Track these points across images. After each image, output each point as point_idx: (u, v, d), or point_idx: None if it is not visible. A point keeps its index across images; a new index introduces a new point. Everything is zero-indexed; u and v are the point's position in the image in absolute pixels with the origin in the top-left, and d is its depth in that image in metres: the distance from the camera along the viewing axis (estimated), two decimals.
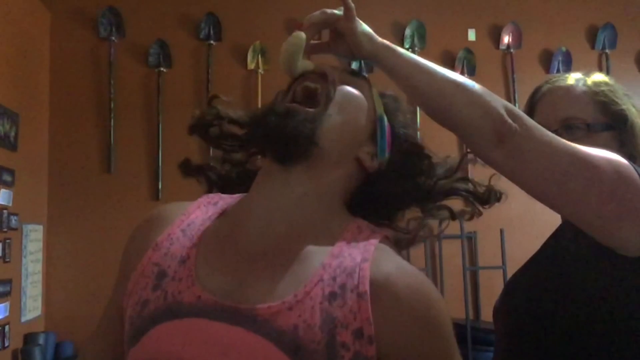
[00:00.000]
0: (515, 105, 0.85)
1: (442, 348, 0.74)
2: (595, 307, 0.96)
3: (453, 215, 0.86)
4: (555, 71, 3.56)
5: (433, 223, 0.86)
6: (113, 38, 3.33)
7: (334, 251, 0.74)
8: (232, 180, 0.93)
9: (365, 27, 0.88)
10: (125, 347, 0.76)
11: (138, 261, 0.79)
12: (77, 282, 3.21)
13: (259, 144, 0.85)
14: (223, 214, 0.83)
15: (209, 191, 0.92)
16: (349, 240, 0.76)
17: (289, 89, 0.84)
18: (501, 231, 3.37)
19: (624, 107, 1.11)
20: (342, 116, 0.80)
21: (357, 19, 0.87)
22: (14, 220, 2.79)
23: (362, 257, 0.73)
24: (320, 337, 0.67)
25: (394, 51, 0.88)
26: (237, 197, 0.86)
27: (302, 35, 0.84)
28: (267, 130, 0.78)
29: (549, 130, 0.92)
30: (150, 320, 0.73)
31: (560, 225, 1.12)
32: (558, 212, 0.98)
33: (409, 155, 0.87)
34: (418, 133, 0.92)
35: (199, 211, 0.84)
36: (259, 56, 3.39)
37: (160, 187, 3.26)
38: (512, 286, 1.14)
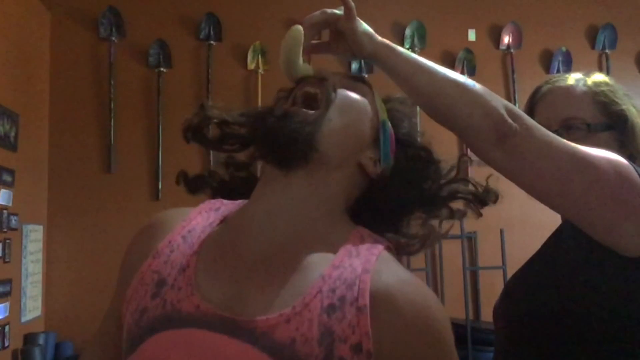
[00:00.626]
0: (515, 105, 0.85)
1: None
2: (595, 307, 0.96)
3: (455, 215, 0.85)
4: (555, 71, 3.56)
5: (436, 225, 0.85)
6: (113, 38, 3.33)
7: (334, 261, 0.72)
8: (235, 186, 0.91)
9: (366, 27, 0.88)
10: (122, 355, 0.75)
11: (138, 268, 0.78)
12: (77, 282, 3.21)
13: (258, 145, 0.84)
14: (224, 220, 0.82)
15: (212, 197, 0.90)
16: (351, 250, 0.74)
17: (290, 94, 0.83)
18: (501, 231, 3.37)
19: (624, 107, 1.11)
20: (342, 120, 0.79)
21: (358, 18, 0.87)
22: (14, 221, 2.79)
23: (362, 268, 0.71)
24: (317, 351, 0.65)
25: (394, 50, 0.88)
26: (239, 203, 0.84)
27: (300, 28, 0.83)
28: (265, 132, 0.77)
29: (549, 130, 0.92)
30: (148, 328, 0.72)
31: (560, 225, 1.12)
32: (558, 212, 0.98)
33: (415, 161, 0.85)
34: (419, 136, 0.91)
35: (200, 217, 0.82)
36: (259, 56, 3.39)
37: (160, 187, 3.26)
38: (512, 286, 1.14)
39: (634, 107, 1.13)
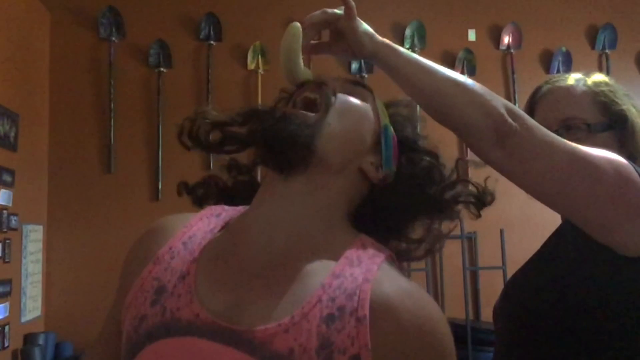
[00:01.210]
0: (515, 105, 0.85)
1: None
2: (595, 307, 0.96)
3: (456, 217, 0.84)
4: (555, 71, 3.56)
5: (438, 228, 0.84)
6: (113, 38, 3.33)
7: (335, 270, 0.71)
8: (237, 191, 0.90)
9: (366, 26, 0.88)
10: None
11: (138, 274, 0.77)
12: (77, 282, 3.21)
13: (256, 147, 0.82)
14: (226, 226, 0.81)
15: (214, 203, 0.90)
16: (352, 259, 0.73)
17: (290, 98, 0.83)
18: (501, 231, 3.37)
19: (624, 107, 1.11)
20: (342, 125, 0.78)
21: (358, 18, 0.87)
22: (14, 221, 2.79)
23: (363, 277, 0.70)
24: None
25: (394, 50, 0.88)
26: (240, 209, 0.83)
27: (298, 25, 0.83)
28: (263, 134, 0.76)
29: (549, 130, 0.92)
30: (147, 336, 0.71)
31: (560, 225, 1.12)
32: (558, 211, 0.98)
33: (418, 166, 0.83)
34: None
35: (201, 223, 0.81)
36: (259, 56, 3.39)
37: (160, 187, 3.26)
38: (512, 286, 1.14)
39: (634, 107, 1.13)
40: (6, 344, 2.70)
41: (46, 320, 3.16)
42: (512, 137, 0.86)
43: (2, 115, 2.71)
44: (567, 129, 1.10)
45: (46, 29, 3.32)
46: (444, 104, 0.88)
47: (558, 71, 3.54)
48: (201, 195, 0.90)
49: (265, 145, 0.77)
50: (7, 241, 2.73)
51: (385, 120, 0.83)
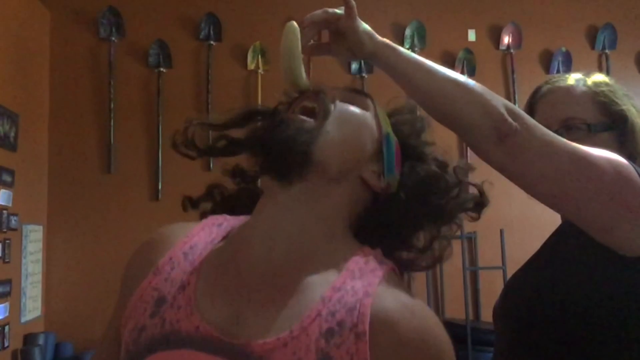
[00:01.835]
0: (515, 105, 0.85)
1: None
2: (594, 307, 0.96)
3: (460, 222, 0.83)
4: (555, 71, 3.56)
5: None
6: (113, 38, 3.33)
7: (335, 283, 0.70)
8: (239, 201, 0.89)
9: (366, 26, 0.88)
10: None
11: (138, 284, 0.76)
12: (76, 282, 3.21)
13: (253, 151, 0.81)
14: (227, 236, 0.80)
15: (216, 212, 0.88)
16: (354, 271, 0.71)
17: (288, 107, 0.82)
18: (501, 231, 3.37)
19: (624, 107, 1.11)
20: (340, 132, 0.77)
21: (358, 18, 0.87)
22: (13, 221, 2.79)
23: (364, 291, 0.69)
24: None
25: (394, 50, 0.88)
26: (242, 218, 0.82)
27: (295, 24, 0.83)
28: (261, 137, 0.76)
29: (549, 130, 0.92)
30: (146, 348, 0.70)
31: (560, 225, 1.12)
32: (558, 211, 0.98)
33: (421, 174, 0.81)
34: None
35: (203, 233, 0.80)
36: (259, 56, 3.39)
37: (160, 187, 3.26)
38: (512, 286, 1.14)
39: (634, 107, 1.13)
40: (6, 344, 2.70)
41: (46, 320, 3.16)
42: (512, 137, 0.86)
43: (2, 115, 2.71)
44: (567, 129, 1.10)
45: (46, 29, 3.32)
46: (444, 103, 0.88)
47: (558, 71, 3.54)
48: (209, 210, 0.88)
49: (262, 148, 0.77)
50: (7, 241, 2.73)
51: (386, 128, 0.82)
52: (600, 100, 1.11)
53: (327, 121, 0.77)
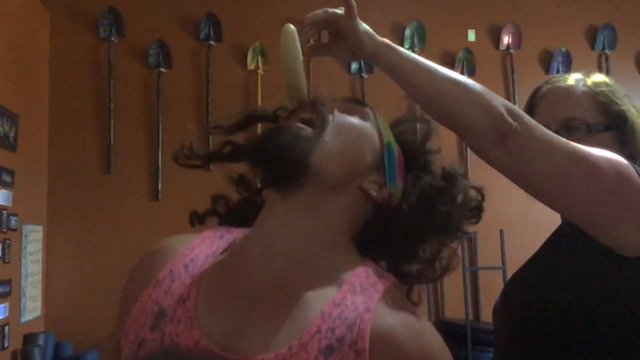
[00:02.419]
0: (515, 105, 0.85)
1: None
2: (594, 307, 0.96)
3: (465, 231, 0.81)
4: (555, 72, 3.56)
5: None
6: (113, 38, 3.33)
7: (336, 298, 0.69)
8: (242, 213, 0.87)
9: (366, 27, 0.87)
10: None
11: (138, 297, 0.75)
12: (76, 282, 3.20)
13: (251, 158, 0.81)
14: (228, 248, 0.79)
15: (219, 224, 0.88)
16: (354, 285, 0.70)
17: (288, 117, 0.82)
18: (501, 231, 3.36)
19: (624, 107, 1.11)
20: (338, 142, 0.76)
21: (358, 18, 0.87)
22: (13, 221, 2.79)
23: (365, 306, 0.68)
24: None
25: (394, 50, 0.87)
26: (243, 230, 0.81)
27: (292, 27, 0.82)
28: (258, 143, 0.76)
29: (549, 130, 0.92)
30: None
31: (560, 225, 1.12)
32: (558, 211, 0.98)
33: (427, 185, 0.79)
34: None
35: (204, 245, 0.80)
36: (259, 56, 3.39)
37: (160, 187, 3.25)
38: (512, 286, 1.14)
39: (634, 107, 1.13)
40: (6, 344, 2.70)
41: (46, 320, 3.16)
42: (512, 137, 0.86)
43: (2, 116, 2.71)
44: (567, 129, 1.10)
45: (46, 29, 3.32)
46: (444, 104, 0.88)
47: (558, 71, 3.54)
48: (205, 218, 0.88)
49: (259, 155, 0.76)
50: (7, 241, 2.73)
51: (388, 137, 0.81)
52: (600, 101, 1.11)
53: (325, 131, 0.76)
